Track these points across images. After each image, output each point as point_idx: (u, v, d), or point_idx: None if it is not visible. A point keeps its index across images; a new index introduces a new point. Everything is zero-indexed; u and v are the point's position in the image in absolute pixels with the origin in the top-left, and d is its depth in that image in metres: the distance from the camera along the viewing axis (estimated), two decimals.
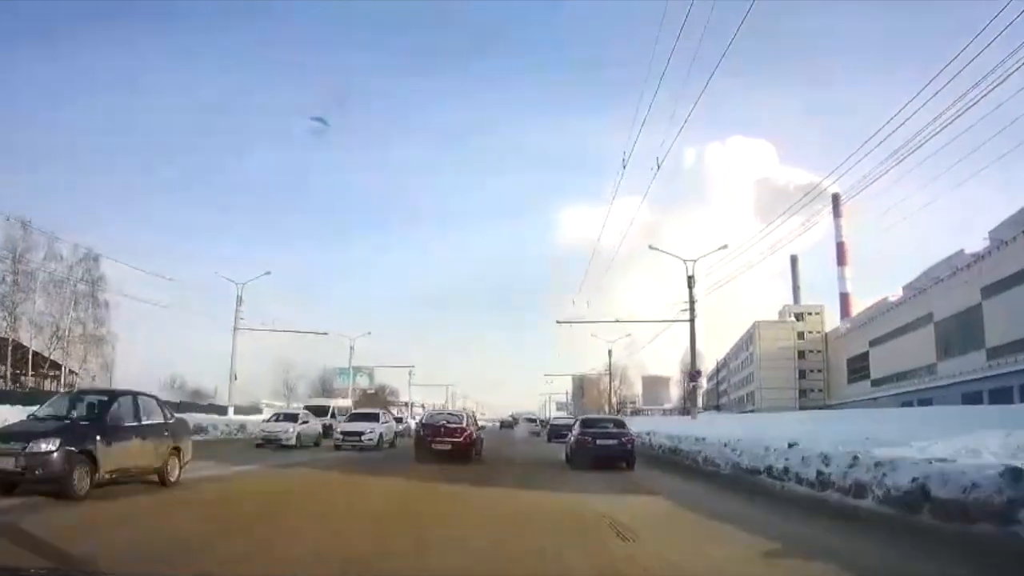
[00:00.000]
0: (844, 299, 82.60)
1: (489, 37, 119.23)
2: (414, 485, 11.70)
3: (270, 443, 22.65)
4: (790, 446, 10.84)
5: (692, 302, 29.45)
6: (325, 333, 45.29)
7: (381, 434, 23.57)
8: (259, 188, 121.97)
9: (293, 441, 23.05)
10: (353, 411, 28.23)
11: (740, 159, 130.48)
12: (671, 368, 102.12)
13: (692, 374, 29.36)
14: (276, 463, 15.89)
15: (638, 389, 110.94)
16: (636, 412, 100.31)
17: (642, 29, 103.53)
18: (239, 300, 42.26)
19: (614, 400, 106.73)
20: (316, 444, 24.58)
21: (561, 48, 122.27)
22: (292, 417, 25.19)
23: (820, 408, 68.80)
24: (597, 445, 16.44)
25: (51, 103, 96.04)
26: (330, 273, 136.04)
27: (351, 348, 57.75)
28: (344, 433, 23.13)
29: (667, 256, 31.05)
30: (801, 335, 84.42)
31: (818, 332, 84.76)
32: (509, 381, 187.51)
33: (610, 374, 64.11)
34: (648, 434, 25.11)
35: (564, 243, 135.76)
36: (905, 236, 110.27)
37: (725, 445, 13.93)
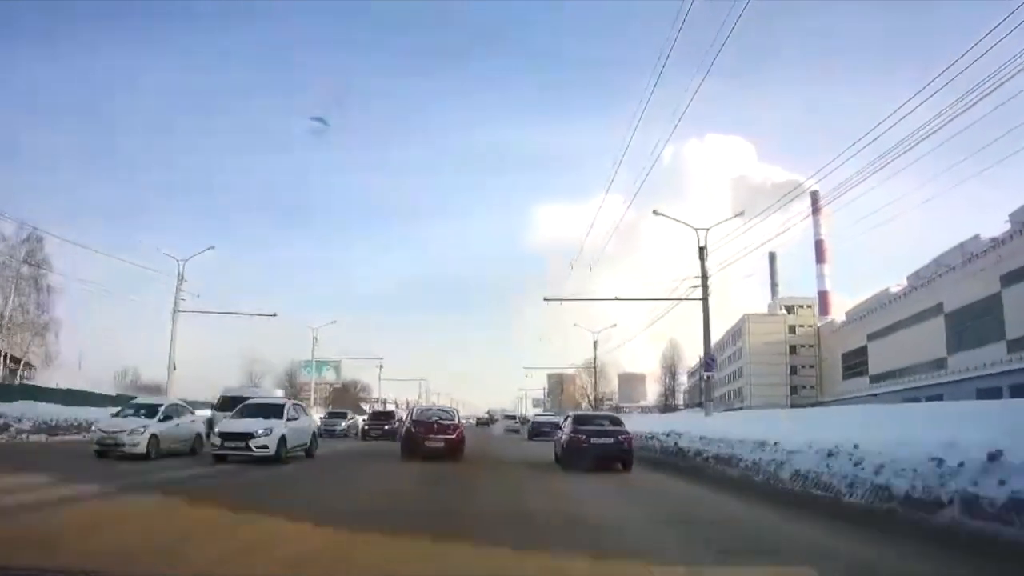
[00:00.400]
0: (823, 297, 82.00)
1: (484, 37, 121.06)
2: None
3: (110, 450, 15.20)
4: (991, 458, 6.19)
5: (704, 277, 25.41)
6: (273, 314, 40.68)
7: (283, 437, 15.43)
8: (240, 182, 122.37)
9: (143, 448, 15.26)
10: (249, 402, 17.87)
11: (718, 156, 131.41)
12: (646, 366, 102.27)
13: (707, 362, 24.71)
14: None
15: (614, 386, 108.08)
16: (615, 410, 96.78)
17: (636, 32, 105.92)
18: (180, 278, 36.96)
19: (592, 396, 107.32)
20: (192, 451, 17.10)
21: (554, 49, 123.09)
22: (150, 410, 16.66)
23: (813, 405, 65.51)
24: (592, 444, 15.31)
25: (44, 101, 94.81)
26: (304, 269, 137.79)
27: (314, 339, 52.36)
28: (223, 436, 15.12)
29: (675, 225, 26.97)
30: (792, 329, 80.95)
31: (810, 326, 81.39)
32: (485, 379, 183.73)
33: (595, 368, 59.12)
34: (651, 436, 21.03)
35: (542, 242, 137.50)
36: (884, 236, 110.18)
37: (831, 455, 9.12)
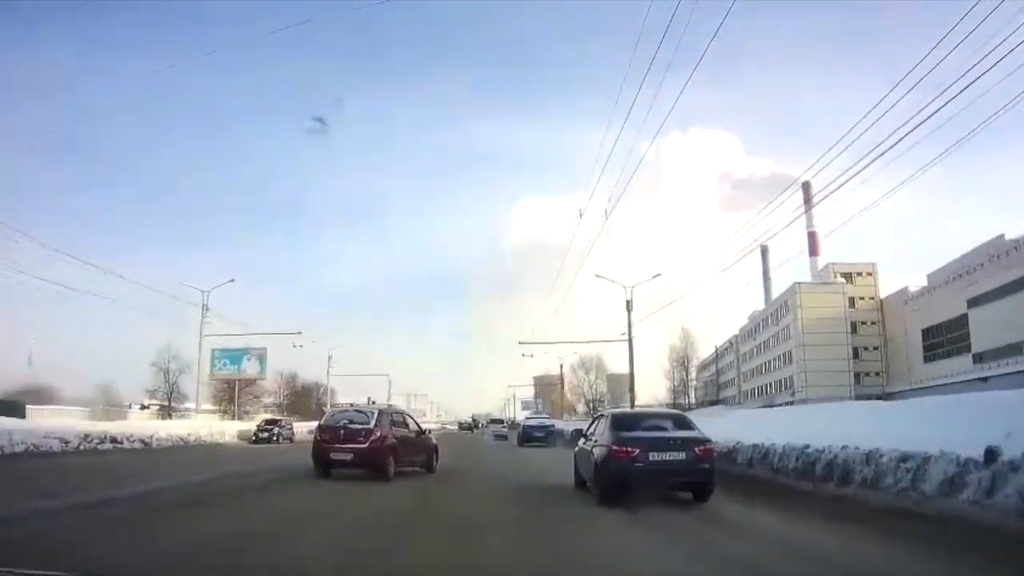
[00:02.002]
0: None
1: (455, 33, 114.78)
2: None
3: None
4: None
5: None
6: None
7: None
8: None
9: None
10: None
11: (702, 151, 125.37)
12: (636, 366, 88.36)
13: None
14: None
15: (602, 388, 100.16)
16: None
17: (615, 30, 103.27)
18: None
19: (593, 395, 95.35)
20: None
21: (528, 45, 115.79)
22: None
23: (878, 397, 49.83)
24: (651, 462, 9.12)
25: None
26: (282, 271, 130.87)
27: (204, 307, 35.45)
28: None
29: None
30: (852, 302, 64.70)
31: (870, 298, 65.17)
32: (470, 385, 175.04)
33: (631, 339, 45.37)
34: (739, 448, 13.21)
35: (523, 243, 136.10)
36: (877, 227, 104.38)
37: None
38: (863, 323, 65.36)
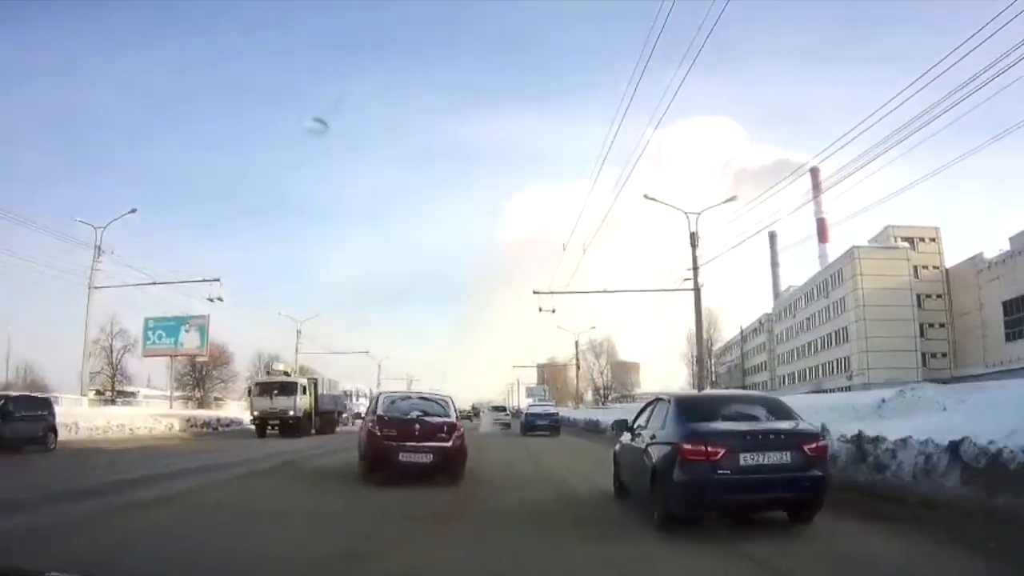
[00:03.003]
0: None
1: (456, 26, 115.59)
2: None
3: None
4: None
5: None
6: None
7: None
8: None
9: None
10: None
11: (705, 138, 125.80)
12: (638, 355, 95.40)
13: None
14: None
15: (607, 376, 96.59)
16: (623, 398, 79.89)
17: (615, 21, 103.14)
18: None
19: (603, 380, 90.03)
20: None
21: (531, 35, 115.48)
22: None
23: (943, 382, 40.94)
24: (742, 468, 6.30)
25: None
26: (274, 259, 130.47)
27: (96, 246, 28.42)
28: None
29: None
30: (915, 271, 56.09)
31: (934, 267, 56.59)
32: (473, 374, 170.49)
33: (700, 308, 38.75)
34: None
35: (525, 230, 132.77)
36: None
37: None
38: (927, 296, 56.87)
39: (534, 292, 34.38)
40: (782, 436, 6.49)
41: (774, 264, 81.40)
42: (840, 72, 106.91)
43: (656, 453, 7.01)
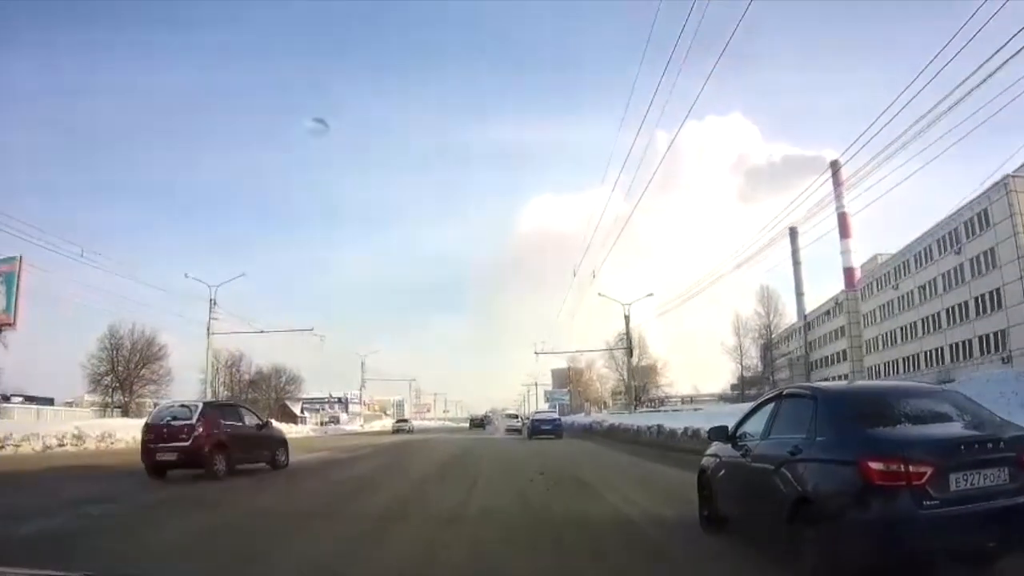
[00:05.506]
0: (849, 274, 73.08)
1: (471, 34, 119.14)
2: None
3: None
4: None
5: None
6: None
7: None
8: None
9: None
10: None
11: (718, 138, 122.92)
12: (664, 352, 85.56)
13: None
14: None
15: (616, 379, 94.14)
16: (661, 402, 78.34)
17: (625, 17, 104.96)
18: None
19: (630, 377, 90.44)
20: None
21: (537, 44, 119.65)
22: None
23: None
24: (953, 496, 4.04)
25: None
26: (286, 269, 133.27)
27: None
28: None
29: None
30: None
31: None
32: (491, 382, 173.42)
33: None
34: None
35: (538, 237, 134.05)
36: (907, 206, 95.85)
37: None
38: None
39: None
40: (1001, 444, 4.39)
41: (795, 262, 76.70)
42: (858, 68, 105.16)
43: (808, 476, 4.80)
